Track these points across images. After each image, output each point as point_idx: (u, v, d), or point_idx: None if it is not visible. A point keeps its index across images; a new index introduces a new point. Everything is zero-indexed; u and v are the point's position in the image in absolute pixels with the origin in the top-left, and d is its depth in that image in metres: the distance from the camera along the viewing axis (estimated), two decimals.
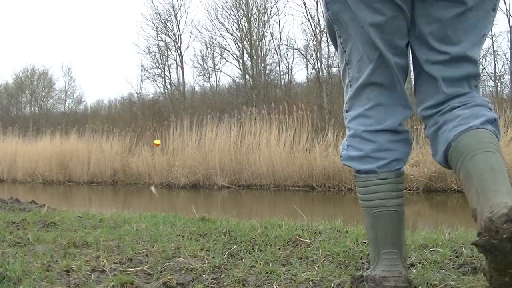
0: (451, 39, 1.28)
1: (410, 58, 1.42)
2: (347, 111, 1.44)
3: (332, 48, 25.84)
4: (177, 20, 21.93)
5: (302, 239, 2.07)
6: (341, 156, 1.43)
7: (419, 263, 1.66)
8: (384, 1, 1.26)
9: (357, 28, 1.31)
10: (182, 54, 22.13)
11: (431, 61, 1.32)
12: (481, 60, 18.07)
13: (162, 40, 22.27)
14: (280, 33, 28.96)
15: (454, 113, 1.28)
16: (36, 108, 28.97)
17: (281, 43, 21.68)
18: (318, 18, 20.62)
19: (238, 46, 21.01)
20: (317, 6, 22.63)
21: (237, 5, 20.57)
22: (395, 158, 1.34)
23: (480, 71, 1.43)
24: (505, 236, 0.98)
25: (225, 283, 1.52)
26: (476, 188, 1.12)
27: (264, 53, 21.23)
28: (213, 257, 1.80)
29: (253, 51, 20.50)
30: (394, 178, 1.33)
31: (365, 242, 2.00)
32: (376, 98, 1.36)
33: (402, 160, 1.36)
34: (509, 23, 16.90)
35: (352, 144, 1.39)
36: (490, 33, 18.05)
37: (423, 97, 1.38)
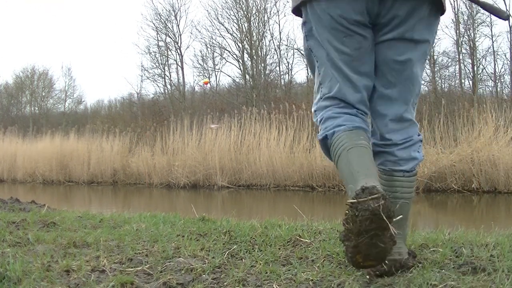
0: None
1: None
2: (317, 107, 1.71)
3: None
4: (177, 20, 21.92)
5: (302, 239, 2.07)
6: (325, 136, 1.61)
7: (419, 263, 1.65)
8: (350, 36, 1.54)
9: (329, 58, 1.60)
10: (182, 54, 22.13)
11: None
12: (481, 60, 18.09)
13: (162, 40, 22.26)
14: (280, 33, 28.89)
15: (394, 152, 1.62)
16: (36, 108, 28.96)
17: (281, 43, 21.67)
18: None
19: (238, 46, 21.01)
20: None
21: (237, 5, 20.56)
22: (358, 125, 1.57)
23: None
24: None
25: (225, 283, 1.52)
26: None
27: (264, 53, 21.22)
28: (213, 257, 1.80)
29: (253, 51, 20.50)
30: (359, 133, 1.55)
31: None
32: (342, 110, 1.62)
33: (365, 127, 1.60)
34: (509, 23, 16.88)
35: (326, 126, 1.61)
36: (490, 33, 18.08)
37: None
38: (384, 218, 1.23)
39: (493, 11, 1.74)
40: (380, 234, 1.26)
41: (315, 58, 1.66)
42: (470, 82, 18.05)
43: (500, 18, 1.75)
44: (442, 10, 1.60)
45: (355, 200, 1.26)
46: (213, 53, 21.64)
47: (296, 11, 1.67)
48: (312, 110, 1.73)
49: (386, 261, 1.41)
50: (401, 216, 1.42)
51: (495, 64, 18.15)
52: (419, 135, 1.69)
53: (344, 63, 1.59)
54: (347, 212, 1.28)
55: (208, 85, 10.92)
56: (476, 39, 17.76)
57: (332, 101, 1.63)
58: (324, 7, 1.54)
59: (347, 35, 1.55)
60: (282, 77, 22.41)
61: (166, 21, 21.89)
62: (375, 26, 1.57)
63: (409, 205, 1.61)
